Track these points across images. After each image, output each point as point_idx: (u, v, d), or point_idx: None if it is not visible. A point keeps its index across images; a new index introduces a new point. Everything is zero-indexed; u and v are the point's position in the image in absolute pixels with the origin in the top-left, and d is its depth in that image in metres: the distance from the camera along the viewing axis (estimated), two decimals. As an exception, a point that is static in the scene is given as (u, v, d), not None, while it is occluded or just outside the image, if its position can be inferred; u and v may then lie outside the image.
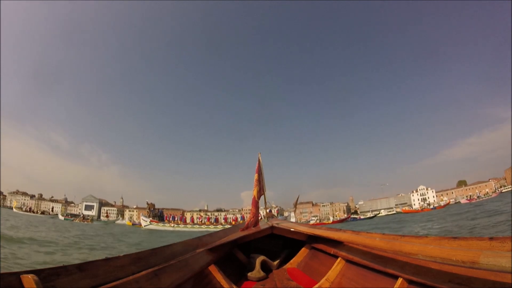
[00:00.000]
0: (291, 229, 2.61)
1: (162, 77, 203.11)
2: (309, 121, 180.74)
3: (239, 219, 31.70)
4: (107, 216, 58.10)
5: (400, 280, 1.24)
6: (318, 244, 2.31)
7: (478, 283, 0.87)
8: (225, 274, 1.91)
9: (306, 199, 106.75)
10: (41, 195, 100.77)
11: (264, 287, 1.95)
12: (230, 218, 33.94)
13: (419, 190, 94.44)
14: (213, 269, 1.92)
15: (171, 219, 32.23)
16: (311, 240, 2.48)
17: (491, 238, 0.99)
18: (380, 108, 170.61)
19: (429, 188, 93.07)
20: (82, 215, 51.98)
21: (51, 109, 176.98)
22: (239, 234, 2.72)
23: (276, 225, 2.81)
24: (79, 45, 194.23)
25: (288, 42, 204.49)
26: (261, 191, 3.54)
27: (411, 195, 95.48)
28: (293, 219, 30.76)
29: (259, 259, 2.29)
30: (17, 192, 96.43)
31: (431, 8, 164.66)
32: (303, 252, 2.55)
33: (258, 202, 3.34)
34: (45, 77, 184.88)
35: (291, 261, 2.50)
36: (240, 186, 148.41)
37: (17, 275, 0.80)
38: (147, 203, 35.44)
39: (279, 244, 2.84)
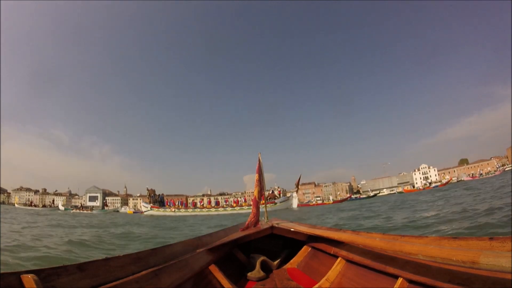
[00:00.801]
0: (291, 229, 2.60)
1: (163, 71, 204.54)
2: (311, 106, 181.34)
3: (241, 201, 31.56)
4: (106, 206, 58.25)
5: (400, 280, 1.25)
6: (318, 244, 2.29)
7: (478, 283, 0.88)
8: (225, 274, 1.90)
9: (309, 180, 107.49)
10: (45, 189, 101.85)
11: (264, 287, 1.94)
12: (231, 200, 33.81)
13: (421, 168, 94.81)
14: (213, 269, 1.91)
15: (171, 204, 32.16)
16: (311, 240, 2.46)
17: (491, 238, 0.98)
18: (382, 90, 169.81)
19: (431, 167, 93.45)
20: (81, 205, 52.55)
21: (50, 106, 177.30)
22: (239, 234, 2.70)
23: (276, 225, 2.79)
24: (76, 43, 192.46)
25: (288, 39, 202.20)
26: (262, 191, 3.53)
27: (413, 174, 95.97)
28: (295, 200, 30.71)
29: (259, 259, 2.28)
30: (20, 189, 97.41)
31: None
32: (303, 252, 2.53)
33: (258, 202, 3.33)
34: (44, 75, 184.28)
35: (291, 261, 2.48)
36: (243, 170, 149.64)
37: (17, 275, 0.79)
38: (147, 189, 34.96)
39: (279, 244, 2.81)
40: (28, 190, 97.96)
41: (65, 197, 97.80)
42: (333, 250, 1.98)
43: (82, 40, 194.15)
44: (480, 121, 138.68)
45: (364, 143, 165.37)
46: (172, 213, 29.32)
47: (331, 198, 60.79)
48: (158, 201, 32.75)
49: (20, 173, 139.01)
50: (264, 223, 3.15)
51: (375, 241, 1.53)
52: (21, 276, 0.79)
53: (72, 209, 44.86)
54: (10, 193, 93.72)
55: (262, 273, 2.14)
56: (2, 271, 0.76)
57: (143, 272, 1.19)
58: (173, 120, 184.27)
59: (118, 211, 54.68)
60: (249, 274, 2.13)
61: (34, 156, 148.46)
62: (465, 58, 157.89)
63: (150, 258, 1.42)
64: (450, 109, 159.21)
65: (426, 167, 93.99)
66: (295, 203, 30.86)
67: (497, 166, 76.58)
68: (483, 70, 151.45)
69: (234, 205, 30.91)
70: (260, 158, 3.80)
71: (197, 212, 29.86)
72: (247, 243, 2.73)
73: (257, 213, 3.12)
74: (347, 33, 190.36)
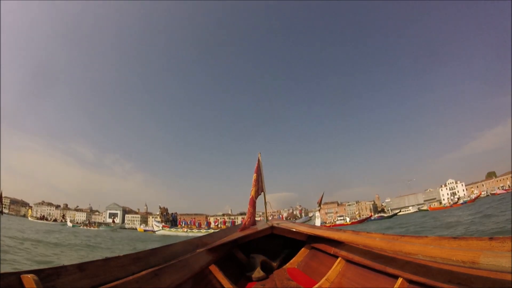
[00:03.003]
0: (291, 229, 2.60)
1: (181, 83, 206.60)
2: (331, 122, 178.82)
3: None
4: (113, 222, 57.42)
5: (400, 280, 1.25)
6: (318, 244, 2.29)
7: (478, 283, 0.88)
8: (225, 274, 1.89)
9: (331, 199, 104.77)
10: (66, 205, 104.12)
11: (264, 287, 1.93)
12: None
13: (448, 184, 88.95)
14: (213, 269, 1.92)
15: (183, 223, 31.03)
16: (311, 240, 2.45)
17: (491, 238, 0.97)
18: (403, 103, 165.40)
19: (458, 182, 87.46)
20: (88, 221, 53.43)
21: (76, 123, 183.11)
22: (239, 234, 2.68)
23: (276, 225, 2.78)
24: (93, 51, 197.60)
25: (291, 41, 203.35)
26: (259, 190, 3.51)
27: (440, 189, 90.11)
28: (318, 219, 28.58)
29: (259, 259, 2.27)
30: (42, 203, 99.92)
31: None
32: (303, 252, 2.52)
33: (255, 202, 3.33)
34: (72, 93, 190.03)
35: (291, 261, 2.46)
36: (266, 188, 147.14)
37: (17, 275, 0.80)
38: (160, 208, 33.98)
39: (279, 244, 2.81)
40: (50, 204, 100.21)
41: (86, 213, 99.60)
42: (333, 250, 1.98)
43: (99, 45, 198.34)
44: (506, 132, 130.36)
45: (387, 160, 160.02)
46: (184, 233, 28.12)
47: (347, 219, 55.06)
48: (170, 220, 31.72)
49: (44, 188, 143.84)
50: (263, 223, 3.10)
51: (375, 241, 1.52)
52: (21, 276, 0.79)
53: (80, 225, 45.36)
54: (32, 207, 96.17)
55: (262, 273, 2.12)
56: (2, 271, 0.77)
57: (143, 272, 1.19)
58: (197, 135, 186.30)
59: (136, 228, 54.61)
60: (249, 274, 2.11)
61: (58, 171, 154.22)
62: (486, 68, 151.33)
63: (150, 258, 1.41)
64: (473, 121, 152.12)
65: (453, 182, 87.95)
66: (318, 223, 28.80)
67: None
68: (505, 79, 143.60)
69: (251, 225, 29.24)
70: (259, 158, 3.76)
71: (211, 232, 28.47)
72: (247, 243, 2.73)
73: (254, 213, 3.08)
74: (361, 41, 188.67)
